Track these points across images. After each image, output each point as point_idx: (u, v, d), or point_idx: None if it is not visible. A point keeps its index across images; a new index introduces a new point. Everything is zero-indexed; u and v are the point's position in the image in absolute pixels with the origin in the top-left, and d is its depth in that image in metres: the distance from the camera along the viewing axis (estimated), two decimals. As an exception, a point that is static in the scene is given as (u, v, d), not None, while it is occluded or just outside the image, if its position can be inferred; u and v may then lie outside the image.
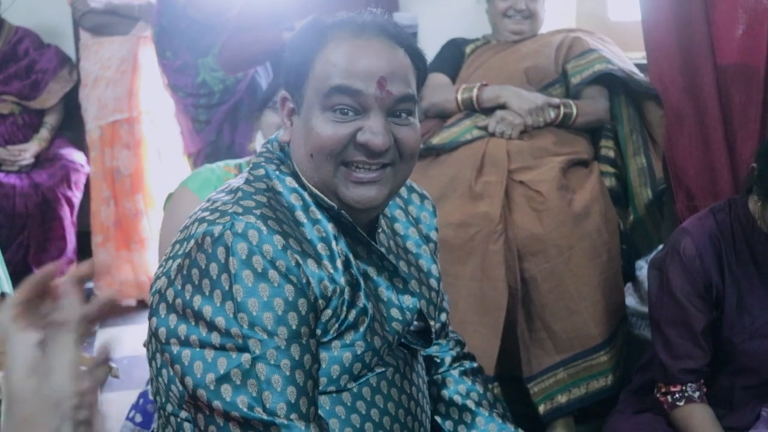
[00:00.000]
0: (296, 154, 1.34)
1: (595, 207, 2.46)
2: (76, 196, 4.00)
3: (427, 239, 1.55)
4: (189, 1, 3.33)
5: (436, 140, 2.64)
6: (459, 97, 2.70)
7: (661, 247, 2.29)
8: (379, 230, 1.42)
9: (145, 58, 3.87)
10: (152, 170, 3.92)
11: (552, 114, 2.62)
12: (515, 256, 2.37)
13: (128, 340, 3.48)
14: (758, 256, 1.94)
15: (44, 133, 4.05)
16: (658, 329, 2.00)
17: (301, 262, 1.22)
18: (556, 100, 2.63)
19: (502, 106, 2.62)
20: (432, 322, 1.48)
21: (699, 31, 2.46)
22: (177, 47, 3.45)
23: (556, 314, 2.39)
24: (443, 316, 1.58)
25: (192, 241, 1.24)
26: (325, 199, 1.31)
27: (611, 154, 2.68)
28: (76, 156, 4.05)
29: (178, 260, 1.26)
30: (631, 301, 2.67)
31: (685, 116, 2.52)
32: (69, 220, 3.97)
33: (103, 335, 3.59)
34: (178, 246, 1.29)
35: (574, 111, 2.64)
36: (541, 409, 2.40)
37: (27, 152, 3.96)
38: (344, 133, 1.28)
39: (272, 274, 1.20)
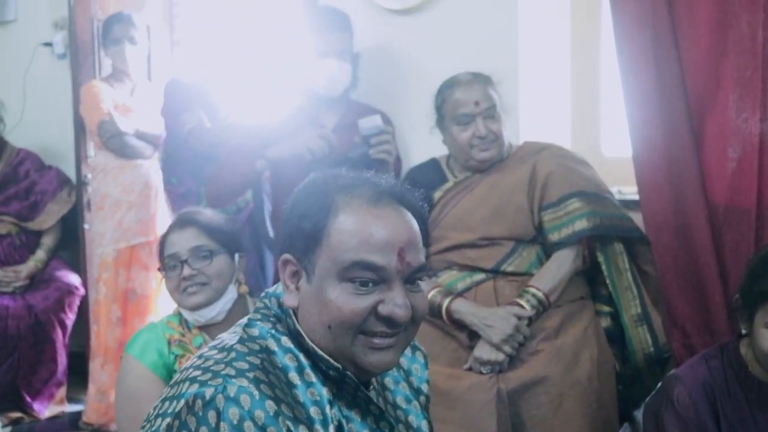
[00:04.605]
0: (308, 321, 1.32)
1: (585, 353, 2.43)
2: (70, 318, 4.01)
3: (417, 392, 1.53)
4: (190, 132, 3.42)
5: None
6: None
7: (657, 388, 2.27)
8: (371, 387, 1.41)
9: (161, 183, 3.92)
10: (164, 290, 3.96)
11: (526, 327, 2.46)
12: (506, 405, 2.34)
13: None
14: (753, 404, 1.92)
15: (41, 254, 4.08)
16: (656, 477, 1.96)
17: (292, 428, 1.20)
18: (526, 310, 2.47)
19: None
20: None
21: (690, 170, 2.50)
22: (181, 174, 3.53)
23: None
24: None
25: (182, 401, 1.23)
26: (331, 361, 1.30)
27: (606, 291, 2.64)
28: (71, 278, 4.08)
29: (168, 419, 1.24)
30: (627, 441, 2.62)
31: (678, 255, 2.53)
32: (61, 342, 3.96)
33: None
34: (167, 403, 1.27)
35: (545, 299, 2.50)
36: None
37: (22, 273, 3.97)
38: (365, 305, 1.28)
39: None
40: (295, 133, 2.96)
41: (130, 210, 3.91)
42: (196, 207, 2.75)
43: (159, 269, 2.30)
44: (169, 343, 2.23)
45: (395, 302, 1.28)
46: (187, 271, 2.22)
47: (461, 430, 2.32)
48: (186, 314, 2.28)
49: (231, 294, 2.28)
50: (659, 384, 2.15)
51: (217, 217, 2.37)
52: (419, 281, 1.34)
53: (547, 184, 2.63)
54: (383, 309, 1.28)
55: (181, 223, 2.29)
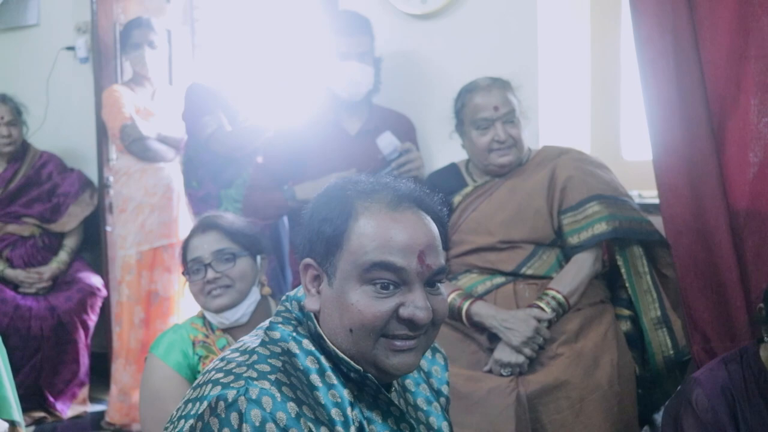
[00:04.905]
0: (329, 324, 1.33)
1: (606, 357, 2.43)
2: (92, 319, 4.05)
3: (438, 394, 1.54)
4: (211, 135, 3.45)
5: None
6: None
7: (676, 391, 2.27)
8: (392, 389, 1.42)
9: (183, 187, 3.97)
10: (187, 292, 4.00)
11: (546, 329, 2.47)
12: (526, 409, 2.33)
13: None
14: (773, 408, 1.92)
15: (63, 255, 4.12)
16: (675, 481, 1.96)
17: (314, 429, 1.22)
18: (546, 313, 2.48)
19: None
20: None
21: (710, 174, 2.49)
22: (201, 178, 3.57)
23: None
24: None
25: (205, 403, 1.24)
26: (352, 363, 1.32)
27: (626, 295, 2.64)
28: (93, 279, 4.12)
29: (191, 421, 1.26)
30: (647, 445, 2.62)
31: (699, 259, 2.52)
32: (83, 343, 4.00)
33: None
34: (190, 405, 1.29)
35: (564, 302, 2.52)
36: None
37: (45, 274, 4.01)
38: (386, 309, 1.29)
39: None
40: (320, 172, 2.99)
41: (152, 213, 3.94)
42: (216, 211, 2.78)
43: (183, 273, 2.33)
44: (193, 344, 2.26)
45: (416, 304, 1.29)
46: (210, 274, 2.25)
47: None
48: (210, 317, 2.30)
49: (254, 296, 2.31)
50: (679, 387, 2.15)
51: (239, 220, 2.39)
52: (439, 284, 1.35)
53: (567, 187, 2.64)
54: (404, 311, 1.29)
55: (203, 227, 2.32)
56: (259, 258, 2.35)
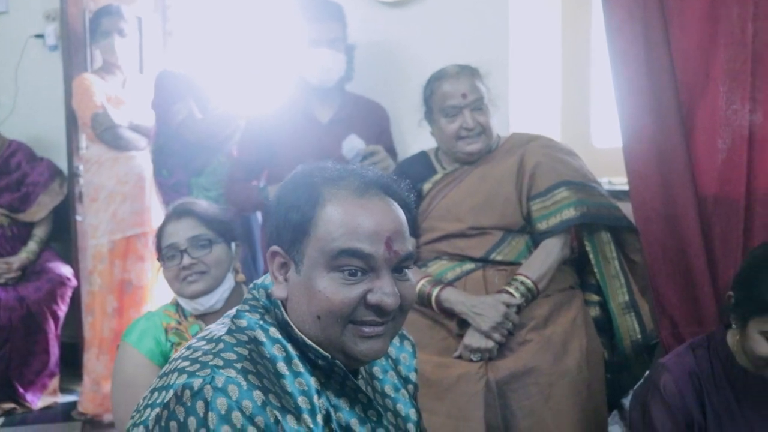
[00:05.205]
0: (297, 312, 1.33)
1: (575, 343, 2.45)
2: (62, 309, 4.02)
3: (405, 381, 1.54)
4: (182, 122, 3.43)
5: None
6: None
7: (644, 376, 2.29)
8: (360, 376, 1.42)
9: None
10: (161, 280, 3.97)
11: (515, 314, 2.47)
12: (495, 395, 2.35)
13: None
14: (739, 393, 1.94)
15: (32, 245, 4.09)
16: (643, 465, 1.98)
17: (280, 418, 1.22)
18: (515, 298, 2.48)
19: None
20: None
21: (679, 161, 2.51)
22: (172, 166, 3.54)
23: None
24: None
25: (171, 392, 1.24)
26: (320, 350, 1.31)
27: (594, 281, 2.66)
28: (63, 269, 4.08)
29: (156, 410, 1.25)
30: (617, 430, 2.64)
31: (667, 245, 2.55)
32: (53, 333, 3.97)
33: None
34: (156, 394, 1.28)
35: (533, 287, 2.52)
36: None
37: (14, 264, 3.98)
38: (354, 295, 1.29)
39: (251, 430, 1.18)
40: (291, 161, 2.99)
41: (124, 201, 3.91)
42: (189, 198, 2.76)
43: (157, 259, 2.32)
44: (166, 331, 2.26)
45: (384, 291, 1.30)
46: (186, 260, 2.24)
47: (449, 421, 2.34)
48: (184, 303, 2.30)
49: (229, 282, 2.31)
50: (647, 372, 2.17)
51: (213, 207, 2.39)
52: (407, 270, 1.35)
53: (535, 174, 2.65)
54: (372, 298, 1.29)
55: (178, 213, 2.31)
56: (233, 245, 2.35)
